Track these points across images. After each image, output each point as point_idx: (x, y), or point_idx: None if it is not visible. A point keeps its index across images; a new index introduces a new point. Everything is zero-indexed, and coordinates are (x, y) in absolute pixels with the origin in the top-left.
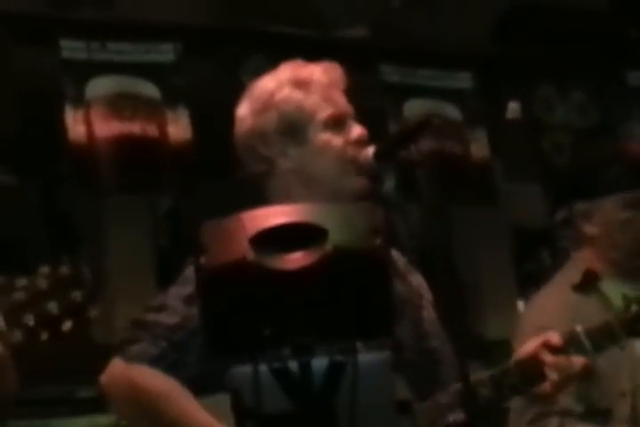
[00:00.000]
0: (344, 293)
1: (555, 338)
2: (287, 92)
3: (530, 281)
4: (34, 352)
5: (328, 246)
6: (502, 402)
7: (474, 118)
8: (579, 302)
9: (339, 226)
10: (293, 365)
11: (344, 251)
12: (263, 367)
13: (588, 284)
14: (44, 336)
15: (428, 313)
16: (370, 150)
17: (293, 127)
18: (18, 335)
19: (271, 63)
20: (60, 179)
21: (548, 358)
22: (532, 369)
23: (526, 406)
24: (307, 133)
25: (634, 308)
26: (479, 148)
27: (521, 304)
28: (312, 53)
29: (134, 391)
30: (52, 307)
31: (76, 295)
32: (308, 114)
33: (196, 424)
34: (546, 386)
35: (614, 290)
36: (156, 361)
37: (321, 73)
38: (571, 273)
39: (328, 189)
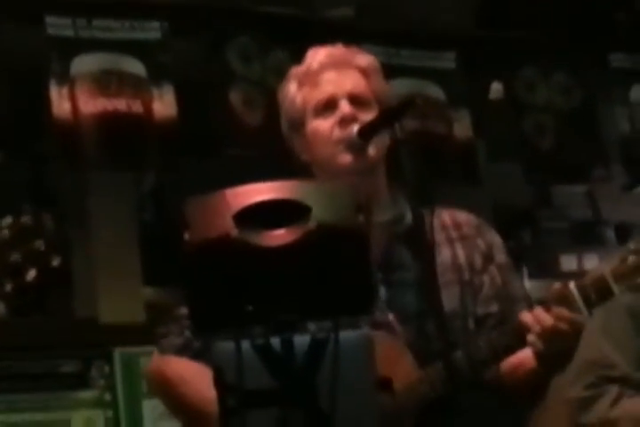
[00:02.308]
0: (326, 270)
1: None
2: (287, 88)
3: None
4: (17, 327)
5: (311, 223)
6: (497, 362)
7: (457, 98)
8: None
9: (322, 203)
10: (275, 341)
11: (327, 228)
12: (245, 344)
13: None
14: (8, 288)
15: (492, 276)
16: (354, 128)
17: (294, 121)
18: (1, 308)
19: (256, 42)
20: (45, 155)
21: (526, 317)
22: (521, 330)
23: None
24: (305, 125)
25: (631, 259)
26: (462, 128)
27: None
28: (297, 33)
29: (163, 380)
30: (16, 257)
31: (39, 244)
32: (300, 106)
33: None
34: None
35: None
36: (182, 350)
37: (316, 60)
38: None
39: (329, 174)
